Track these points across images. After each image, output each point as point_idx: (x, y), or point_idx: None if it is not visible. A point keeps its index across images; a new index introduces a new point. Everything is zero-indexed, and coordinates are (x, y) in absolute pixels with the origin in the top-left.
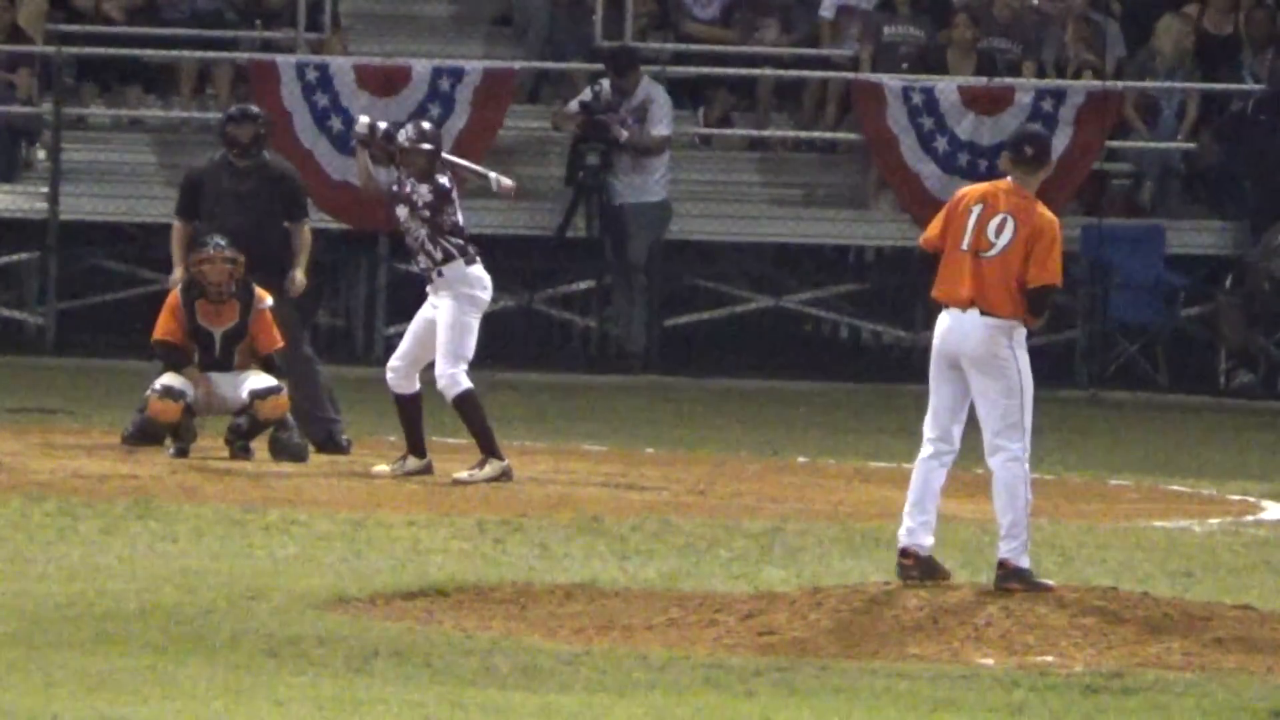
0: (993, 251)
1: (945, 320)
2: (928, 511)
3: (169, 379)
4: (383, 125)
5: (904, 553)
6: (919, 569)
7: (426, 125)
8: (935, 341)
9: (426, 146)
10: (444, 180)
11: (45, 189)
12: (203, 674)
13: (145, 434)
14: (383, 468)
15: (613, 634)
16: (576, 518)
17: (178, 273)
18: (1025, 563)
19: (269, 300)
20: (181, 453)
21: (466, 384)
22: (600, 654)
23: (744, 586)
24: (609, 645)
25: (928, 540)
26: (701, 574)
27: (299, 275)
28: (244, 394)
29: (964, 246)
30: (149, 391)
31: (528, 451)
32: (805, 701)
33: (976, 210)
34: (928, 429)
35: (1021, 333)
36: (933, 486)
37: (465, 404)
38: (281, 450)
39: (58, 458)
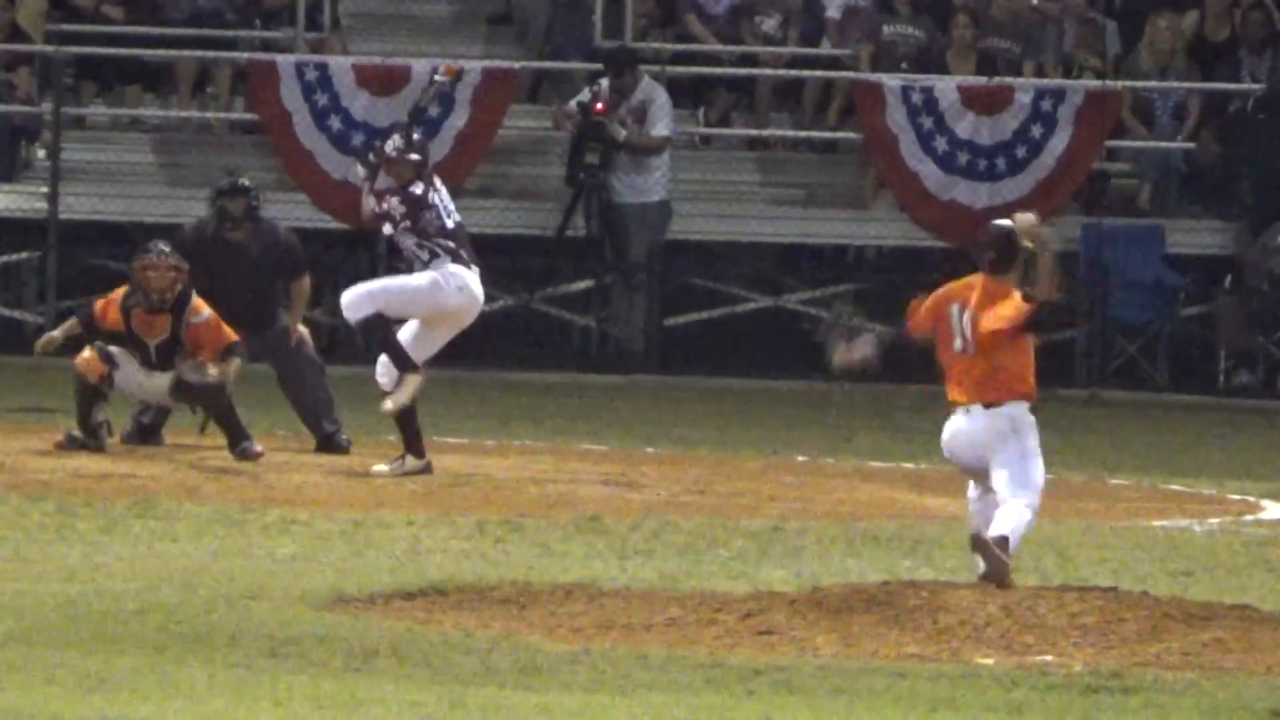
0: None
1: (956, 421)
2: None
3: (110, 347)
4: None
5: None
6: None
7: (415, 135)
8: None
9: (414, 157)
10: (415, 188)
11: (45, 189)
12: (202, 673)
13: (144, 433)
14: (381, 467)
15: (612, 633)
16: (576, 517)
17: None
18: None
19: (205, 313)
20: (74, 442)
21: (369, 312)
22: (600, 653)
23: (744, 586)
24: (609, 645)
25: None
26: (701, 573)
27: (298, 328)
28: (166, 384)
29: (955, 349)
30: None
31: (528, 451)
32: (805, 701)
33: (955, 311)
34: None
35: (1023, 409)
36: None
37: (370, 329)
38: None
39: (58, 458)
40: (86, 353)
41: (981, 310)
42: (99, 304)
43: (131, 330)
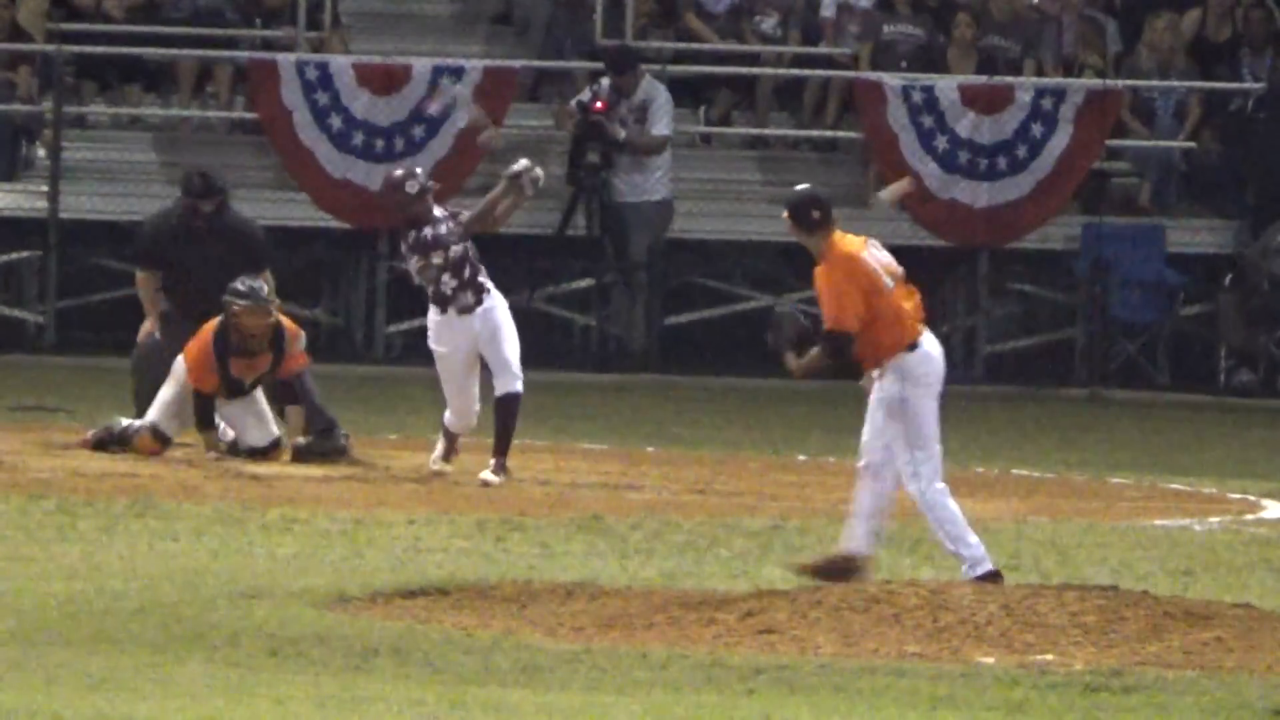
0: (897, 270)
1: (929, 342)
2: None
3: (162, 421)
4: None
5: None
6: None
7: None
8: (935, 367)
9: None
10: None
11: (45, 188)
12: (202, 672)
13: (106, 445)
14: (489, 475)
15: (613, 632)
16: (576, 517)
17: (150, 324)
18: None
19: (302, 337)
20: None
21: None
22: (600, 652)
23: (744, 585)
24: (609, 644)
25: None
26: (701, 572)
27: None
28: (244, 439)
29: (890, 285)
30: (138, 426)
31: (528, 450)
32: (805, 700)
33: (868, 254)
34: (938, 468)
35: None
36: None
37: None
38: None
39: (58, 457)
40: (145, 440)
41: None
42: (195, 376)
43: (230, 378)
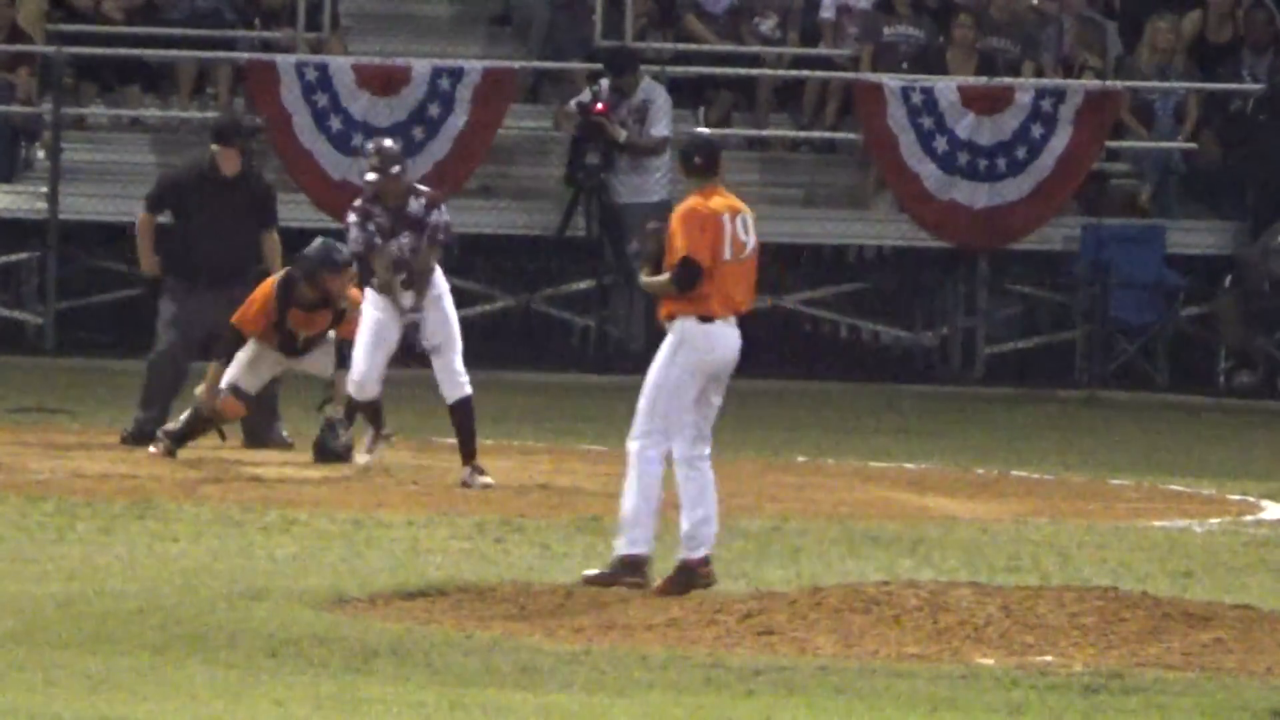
0: (746, 252)
1: (722, 330)
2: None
3: (242, 381)
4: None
5: (708, 561)
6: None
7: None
8: (716, 354)
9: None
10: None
11: (45, 189)
12: (202, 673)
13: (188, 438)
14: (363, 458)
15: (613, 634)
16: (576, 518)
17: (148, 266)
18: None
19: (361, 303)
20: (167, 441)
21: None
22: (600, 654)
23: (744, 586)
24: (609, 645)
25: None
26: None
27: None
28: (305, 366)
29: (727, 257)
30: (219, 390)
31: (528, 451)
32: (805, 701)
33: (727, 219)
34: (694, 440)
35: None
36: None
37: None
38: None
39: (57, 458)
40: (229, 402)
41: (746, 213)
42: (245, 320)
43: (285, 327)
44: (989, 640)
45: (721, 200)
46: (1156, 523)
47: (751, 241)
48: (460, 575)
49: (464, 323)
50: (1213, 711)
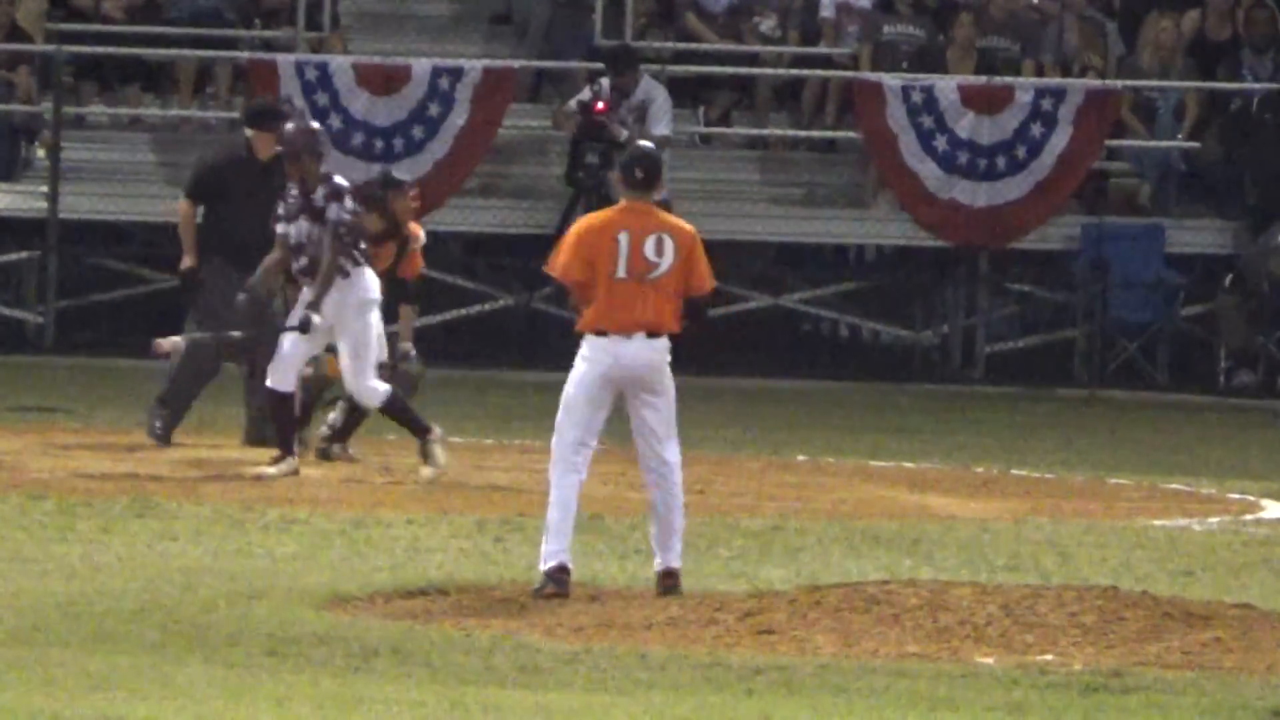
0: (657, 272)
1: (619, 344)
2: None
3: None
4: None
5: (564, 569)
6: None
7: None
8: (616, 365)
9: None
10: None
11: (45, 188)
12: (202, 673)
13: (348, 431)
14: (268, 469)
15: (612, 633)
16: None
17: (190, 259)
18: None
19: (422, 238)
20: (327, 452)
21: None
22: (600, 653)
23: (743, 585)
24: (608, 644)
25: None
26: (701, 572)
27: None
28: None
29: (621, 275)
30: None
31: (528, 451)
32: (805, 701)
33: (624, 237)
34: (578, 448)
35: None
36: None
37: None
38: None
39: (57, 457)
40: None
41: (669, 233)
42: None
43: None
44: (989, 639)
45: (636, 218)
46: (1156, 522)
47: (665, 263)
48: (460, 575)
49: (464, 322)
50: (1213, 711)
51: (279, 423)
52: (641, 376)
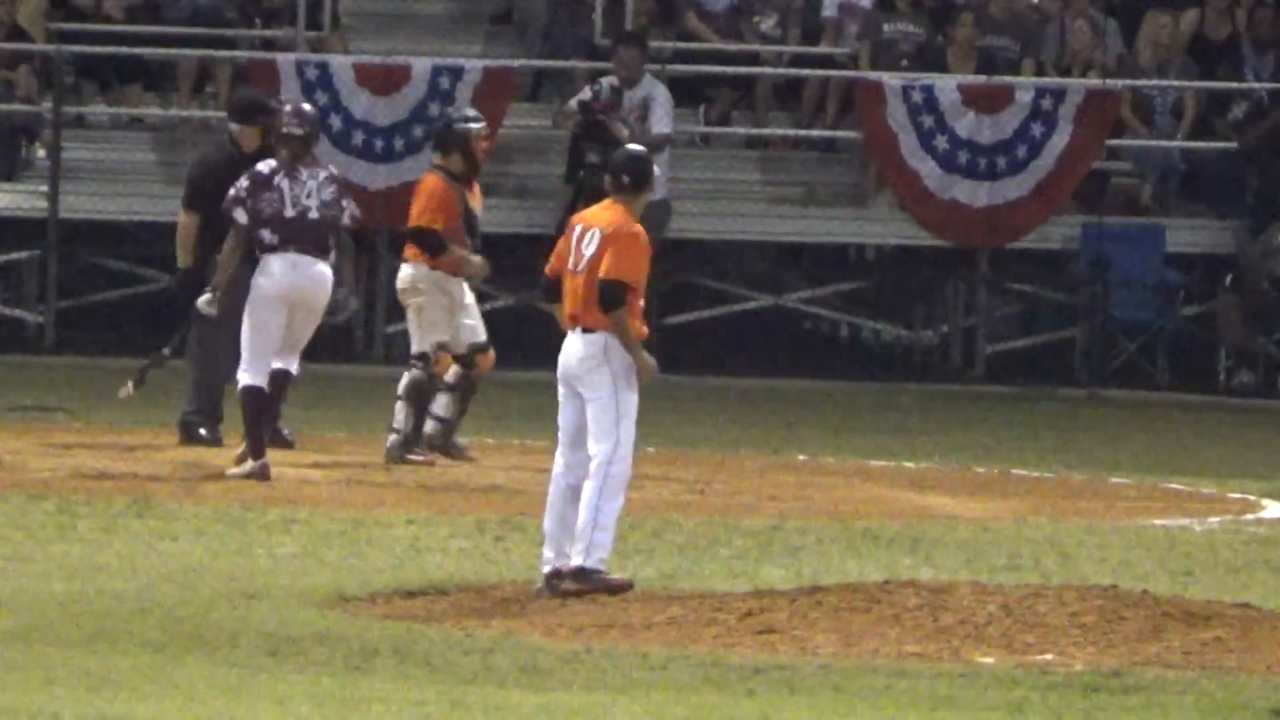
0: (581, 264)
1: (568, 339)
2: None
3: (440, 336)
4: None
5: (559, 575)
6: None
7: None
8: (561, 363)
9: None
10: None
11: (45, 188)
12: (202, 672)
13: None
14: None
15: (612, 632)
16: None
17: (189, 259)
18: (592, 562)
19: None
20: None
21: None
22: (600, 652)
23: (744, 585)
24: (609, 644)
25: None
26: (701, 572)
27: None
28: (460, 338)
29: (570, 267)
30: (429, 349)
31: (528, 451)
32: (805, 701)
33: (578, 231)
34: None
35: (615, 343)
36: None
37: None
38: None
39: (58, 457)
40: (445, 358)
41: (601, 226)
42: (430, 218)
43: (468, 208)
44: (989, 639)
45: (593, 214)
46: (1157, 521)
47: (588, 254)
48: (460, 575)
49: None
50: (1213, 710)
51: (252, 420)
52: (573, 371)
